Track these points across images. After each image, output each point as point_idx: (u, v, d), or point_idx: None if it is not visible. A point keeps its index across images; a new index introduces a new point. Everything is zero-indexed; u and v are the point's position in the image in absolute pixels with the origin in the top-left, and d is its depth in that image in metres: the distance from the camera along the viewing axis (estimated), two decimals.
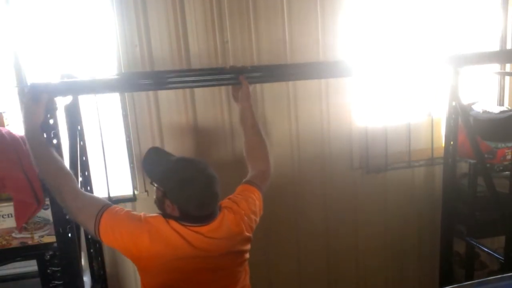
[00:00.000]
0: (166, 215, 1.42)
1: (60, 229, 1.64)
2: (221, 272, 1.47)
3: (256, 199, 1.58)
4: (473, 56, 2.03)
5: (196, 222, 1.41)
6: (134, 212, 1.44)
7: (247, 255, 1.55)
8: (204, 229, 1.42)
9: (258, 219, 1.59)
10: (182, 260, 1.39)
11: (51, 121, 1.58)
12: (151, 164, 1.54)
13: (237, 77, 1.68)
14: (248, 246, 1.53)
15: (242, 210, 1.52)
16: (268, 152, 1.71)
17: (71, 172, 1.49)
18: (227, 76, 1.72)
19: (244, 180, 1.64)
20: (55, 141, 1.60)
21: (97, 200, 1.45)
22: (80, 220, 1.43)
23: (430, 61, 1.89)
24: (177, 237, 1.38)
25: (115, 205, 1.44)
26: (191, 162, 1.47)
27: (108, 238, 1.39)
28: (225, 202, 1.54)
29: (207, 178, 1.41)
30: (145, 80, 1.70)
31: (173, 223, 1.40)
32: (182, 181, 1.39)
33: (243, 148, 1.72)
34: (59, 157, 1.51)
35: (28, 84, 1.98)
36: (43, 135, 1.54)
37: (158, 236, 1.37)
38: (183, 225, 1.40)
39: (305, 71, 1.83)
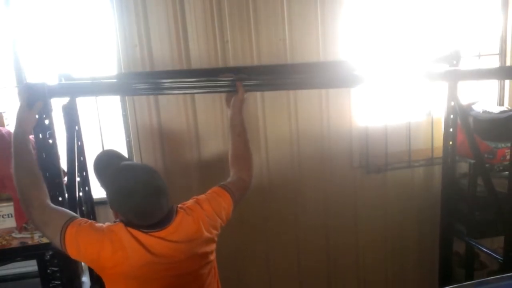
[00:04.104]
0: (125, 223, 1.39)
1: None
2: (185, 277, 1.44)
3: (223, 203, 1.54)
4: (470, 72, 2.01)
5: (150, 228, 1.37)
6: (98, 224, 1.42)
7: (212, 257, 1.51)
8: (162, 233, 1.38)
9: (223, 223, 1.54)
10: (143, 267, 1.37)
11: (46, 122, 1.57)
12: (100, 168, 1.52)
13: (233, 84, 1.67)
14: (211, 247, 1.50)
15: (204, 211, 1.48)
16: (251, 164, 1.69)
17: (45, 185, 1.47)
18: (224, 83, 1.70)
19: (220, 183, 1.61)
20: (50, 141, 1.59)
21: (63, 213, 1.42)
22: (47, 235, 1.40)
23: (426, 75, 1.88)
24: (136, 245, 1.36)
25: (81, 218, 1.42)
26: (133, 171, 1.39)
27: (74, 251, 1.37)
28: (188, 202, 1.52)
29: (146, 190, 1.34)
30: (142, 85, 1.68)
31: (132, 230, 1.37)
32: (121, 192, 1.35)
33: (229, 155, 1.70)
34: (39, 170, 1.49)
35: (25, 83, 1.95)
36: (30, 143, 1.50)
37: (119, 244, 1.35)
38: (141, 231, 1.37)
39: (304, 81, 1.81)
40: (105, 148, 1.64)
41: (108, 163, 1.49)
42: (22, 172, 1.43)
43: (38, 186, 1.44)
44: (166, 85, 1.70)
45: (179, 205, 1.48)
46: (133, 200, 1.34)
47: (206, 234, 1.46)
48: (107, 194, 1.42)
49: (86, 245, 1.36)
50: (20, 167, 1.44)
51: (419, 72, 1.86)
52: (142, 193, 1.34)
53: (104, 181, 1.47)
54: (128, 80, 1.81)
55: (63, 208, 1.48)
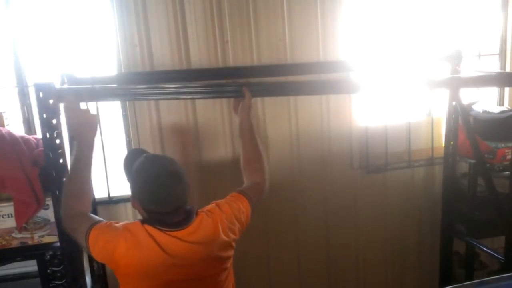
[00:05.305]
0: (143, 220, 1.42)
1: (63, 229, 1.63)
2: (200, 281, 1.44)
3: (242, 207, 1.54)
4: (472, 80, 2.00)
5: (170, 226, 1.39)
6: (118, 224, 1.43)
7: (229, 263, 1.51)
8: (180, 233, 1.39)
9: (242, 227, 1.54)
10: (158, 268, 1.38)
11: (54, 121, 1.57)
12: (127, 165, 1.56)
13: (240, 89, 1.66)
14: (229, 253, 1.49)
15: (223, 213, 1.49)
16: (264, 166, 1.69)
17: (89, 202, 1.51)
18: (230, 88, 1.70)
19: (237, 189, 1.62)
20: (57, 141, 1.59)
21: (89, 219, 1.45)
22: (78, 241, 1.45)
23: (427, 83, 1.87)
24: (151, 243, 1.37)
25: (105, 221, 1.44)
26: (153, 159, 1.46)
27: (95, 251, 1.40)
28: (208, 206, 1.53)
29: (161, 172, 1.38)
30: (149, 90, 1.68)
31: (149, 228, 1.38)
32: (139, 178, 1.41)
33: (241, 160, 1.70)
34: (90, 187, 1.53)
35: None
36: (91, 158, 1.52)
37: (134, 242, 1.37)
38: (158, 229, 1.38)
39: (309, 87, 1.81)
40: (134, 147, 1.66)
41: (135, 159, 1.52)
42: (75, 184, 1.47)
43: (83, 201, 1.48)
44: (173, 90, 1.69)
45: (199, 209, 1.49)
46: (151, 185, 1.38)
47: (223, 237, 1.46)
48: (130, 186, 1.46)
49: (104, 243, 1.38)
50: (75, 179, 1.48)
51: (420, 79, 1.85)
52: (157, 175, 1.38)
53: (129, 177, 1.52)
54: (139, 85, 1.79)
55: (92, 215, 1.49)
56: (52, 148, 1.58)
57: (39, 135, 1.99)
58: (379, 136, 2.61)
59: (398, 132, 2.65)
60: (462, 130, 2.31)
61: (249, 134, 1.68)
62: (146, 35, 2.22)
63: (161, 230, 1.38)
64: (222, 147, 2.40)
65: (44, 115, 1.54)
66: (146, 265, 1.37)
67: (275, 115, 2.45)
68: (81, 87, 1.77)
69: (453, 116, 2.30)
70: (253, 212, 1.58)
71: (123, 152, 2.35)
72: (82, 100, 1.57)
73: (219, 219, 1.47)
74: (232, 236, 1.49)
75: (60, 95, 1.54)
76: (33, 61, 2.23)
